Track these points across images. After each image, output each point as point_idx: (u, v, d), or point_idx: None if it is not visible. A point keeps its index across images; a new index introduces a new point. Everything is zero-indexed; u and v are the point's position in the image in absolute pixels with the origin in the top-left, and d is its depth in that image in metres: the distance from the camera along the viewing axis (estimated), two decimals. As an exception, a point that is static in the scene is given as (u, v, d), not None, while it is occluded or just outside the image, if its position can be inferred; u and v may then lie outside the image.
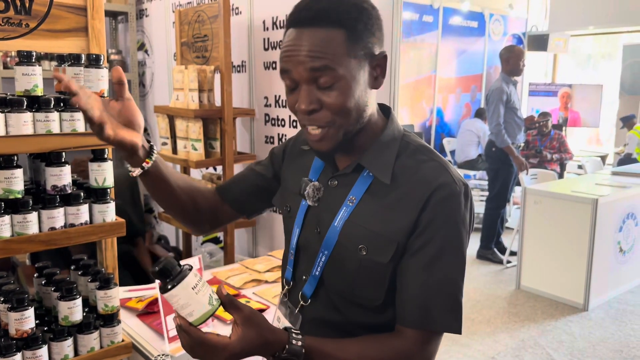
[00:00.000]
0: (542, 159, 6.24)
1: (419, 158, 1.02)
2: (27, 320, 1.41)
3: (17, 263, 3.05)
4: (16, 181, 1.40)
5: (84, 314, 1.55)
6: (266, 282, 2.15)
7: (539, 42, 7.89)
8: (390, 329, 1.02)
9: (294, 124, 2.79)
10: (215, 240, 3.46)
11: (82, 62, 1.54)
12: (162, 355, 1.56)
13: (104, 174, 1.54)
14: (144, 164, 1.08)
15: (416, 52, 6.54)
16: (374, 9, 0.99)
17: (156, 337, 1.69)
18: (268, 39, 2.84)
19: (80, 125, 1.48)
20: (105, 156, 1.56)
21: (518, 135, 4.70)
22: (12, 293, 1.43)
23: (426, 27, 6.55)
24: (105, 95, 1.54)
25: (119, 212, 1.60)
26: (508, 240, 4.97)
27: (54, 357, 1.48)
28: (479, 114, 6.59)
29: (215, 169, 3.27)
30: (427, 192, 0.97)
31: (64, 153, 1.49)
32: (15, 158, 1.41)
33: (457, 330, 1.00)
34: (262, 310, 1.85)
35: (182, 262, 0.95)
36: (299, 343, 0.94)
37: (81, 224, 1.51)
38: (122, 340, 1.62)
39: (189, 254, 3.23)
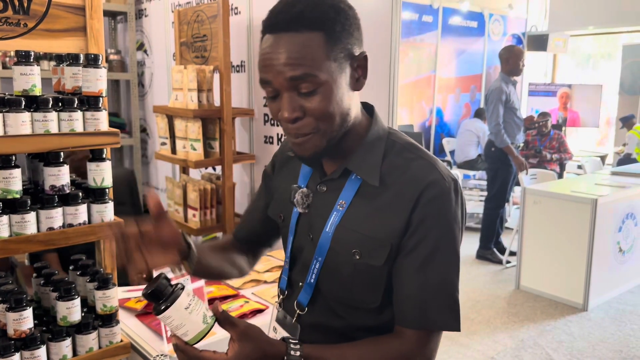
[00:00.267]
0: (542, 159, 6.23)
1: (407, 156, 1.01)
2: (25, 320, 1.41)
3: (16, 263, 3.04)
4: (14, 181, 1.40)
5: (83, 314, 1.55)
6: (265, 282, 2.15)
7: (539, 42, 7.89)
8: (391, 329, 1.02)
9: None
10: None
11: (81, 61, 1.54)
12: (161, 355, 1.56)
13: (102, 174, 1.54)
14: (184, 274, 1.06)
15: (416, 52, 6.53)
16: (351, 8, 0.97)
17: (155, 338, 1.68)
18: (267, 38, 2.84)
19: (79, 125, 1.48)
20: (104, 156, 1.56)
21: (517, 135, 4.70)
22: (11, 293, 1.43)
23: (426, 27, 6.55)
24: (104, 94, 1.54)
25: (117, 212, 1.60)
26: (507, 240, 4.96)
27: (52, 358, 1.48)
28: (479, 114, 6.59)
29: (214, 169, 3.27)
30: (416, 192, 0.96)
31: (62, 153, 1.49)
32: (14, 158, 1.41)
33: (456, 327, 0.99)
34: (261, 311, 1.85)
35: (173, 282, 0.93)
36: (298, 353, 0.94)
37: (79, 224, 1.51)
38: (121, 341, 1.62)
39: (188, 254, 3.22)
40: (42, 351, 1.44)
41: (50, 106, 1.43)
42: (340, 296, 1.04)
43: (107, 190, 1.56)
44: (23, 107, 1.39)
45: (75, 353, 1.53)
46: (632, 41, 8.50)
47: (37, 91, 1.43)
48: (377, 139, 1.03)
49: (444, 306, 0.98)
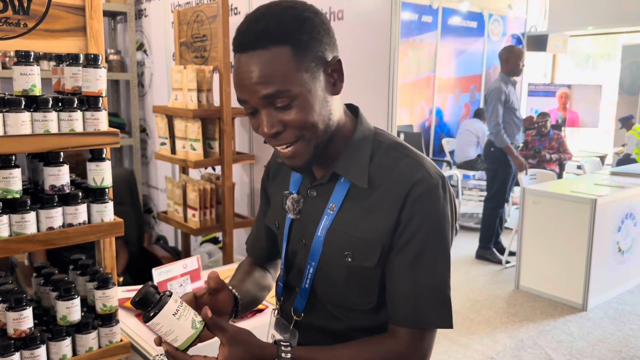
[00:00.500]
0: (541, 159, 6.24)
1: (393, 156, 1.02)
2: (25, 320, 1.41)
3: (16, 263, 3.04)
4: (14, 181, 1.40)
5: (83, 313, 1.55)
6: (265, 282, 2.15)
7: (538, 42, 7.89)
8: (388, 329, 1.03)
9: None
10: (214, 241, 3.46)
11: (80, 61, 1.54)
12: (161, 355, 1.56)
13: (102, 173, 1.54)
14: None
15: (415, 52, 6.54)
16: (317, 14, 0.96)
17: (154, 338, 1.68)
18: (267, 39, 2.84)
19: (79, 125, 1.48)
20: (104, 156, 1.56)
21: (517, 136, 4.70)
22: (11, 293, 1.43)
23: (425, 28, 6.55)
24: (104, 95, 1.54)
25: (117, 212, 1.60)
26: (507, 240, 4.96)
27: (52, 357, 1.48)
28: (478, 114, 6.59)
29: (214, 169, 3.27)
30: (404, 191, 0.97)
31: (62, 153, 1.49)
32: (14, 158, 1.41)
33: (449, 324, 0.99)
34: (260, 311, 1.85)
35: (162, 290, 0.95)
36: (289, 355, 0.94)
37: (79, 223, 1.51)
38: (121, 340, 1.62)
39: (187, 254, 3.23)
40: (42, 351, 1.44)
41: (50, 106, 1.44)
42: (335, 299, 1.05)
43: (107, 190, 1.56)
44: (23, 107, 1.40)
45: (75, 352, 1.54)
46: (631, 41, 8.50)
47: (37, 91, 1.43)
48: (363, 139, 1.04)
49: (436, 303, 0.98)
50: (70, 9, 1.56)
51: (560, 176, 6.13)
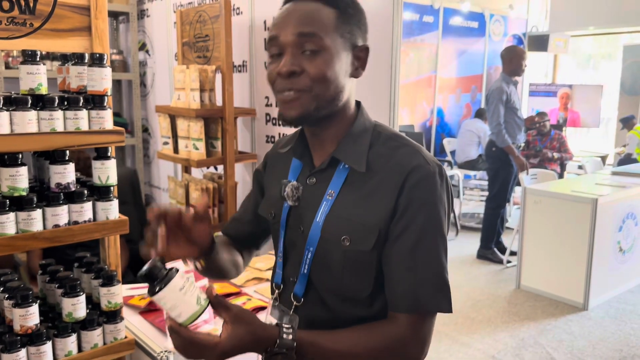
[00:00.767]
0: (543, 157, 6.25)
1: (391, 145, 1.05)
2: (31, 316, 1.42)
3: (20, 262, 3.06)
4: (21, 179, 1.42)
5: (88, 310, 1.56)
6: (267, 280, 2.16)
7: (540, 42, 7.90)
8: None
9: (295, 123, 2.80)
10: (217, 240, 3.47)
11: (86, 61, 1.55)
12: (165, 352, 1.57)
13: (107, 172, 1.56)
14: (196, 264, 1.11)
15: (416, 52, 6.55)
16: (362, 9, 1.06)
17: (159, 334, 1.70)
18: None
19: (84, 124, 1.50)
20: (109, 154, 1.57)
21: (518, 136, 4.71)
22: (17, 289, 1.44)
23: (426, 28, 6.56)
24: (109, 93, 1.55)
25: (119, 211, 1.62)
26: (508, 240, 4.97)
27: (57, 353, 1.50)
28: (479, 114, 6.60)
29: (216, 168, 3.29)
30: (402, 177, 0.99)
31: (67, 151, 1.50)
32: (20, 156, 1.43)
33: (448, 309, 1.01)
34: (263, 308, 1.86)
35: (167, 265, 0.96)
36: (290, 337, 0.95)
37: (85, 221, 1.52)
38: (125, 337, 1.63)
39: (190, 253, 3.24)
40: (47, 347, 1.45)
41: (56, 105, 1.45)
42: (331, 286, 1.06)
43: (112, 188, 1.58)
44: (29, 105, 1.41)
45: (80, 349, 1.55)
46: (632, 41, 8.51)
47: (43, 90, 1.45)
48: (364, 130, 1.07)
49: (434, 288, 0.99)
50: (75, 9, 1.57)
51: (561, 176, 6.14)
